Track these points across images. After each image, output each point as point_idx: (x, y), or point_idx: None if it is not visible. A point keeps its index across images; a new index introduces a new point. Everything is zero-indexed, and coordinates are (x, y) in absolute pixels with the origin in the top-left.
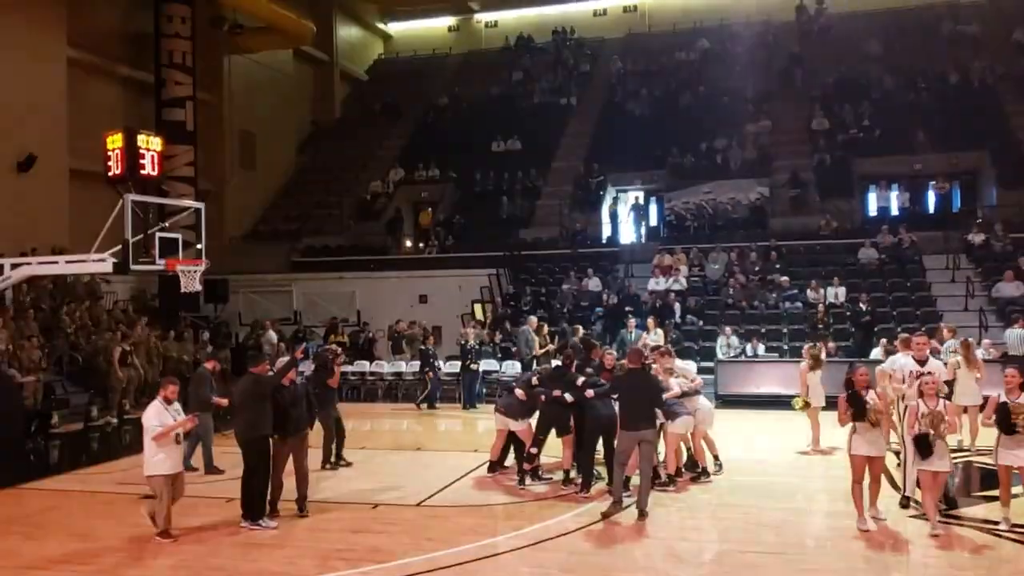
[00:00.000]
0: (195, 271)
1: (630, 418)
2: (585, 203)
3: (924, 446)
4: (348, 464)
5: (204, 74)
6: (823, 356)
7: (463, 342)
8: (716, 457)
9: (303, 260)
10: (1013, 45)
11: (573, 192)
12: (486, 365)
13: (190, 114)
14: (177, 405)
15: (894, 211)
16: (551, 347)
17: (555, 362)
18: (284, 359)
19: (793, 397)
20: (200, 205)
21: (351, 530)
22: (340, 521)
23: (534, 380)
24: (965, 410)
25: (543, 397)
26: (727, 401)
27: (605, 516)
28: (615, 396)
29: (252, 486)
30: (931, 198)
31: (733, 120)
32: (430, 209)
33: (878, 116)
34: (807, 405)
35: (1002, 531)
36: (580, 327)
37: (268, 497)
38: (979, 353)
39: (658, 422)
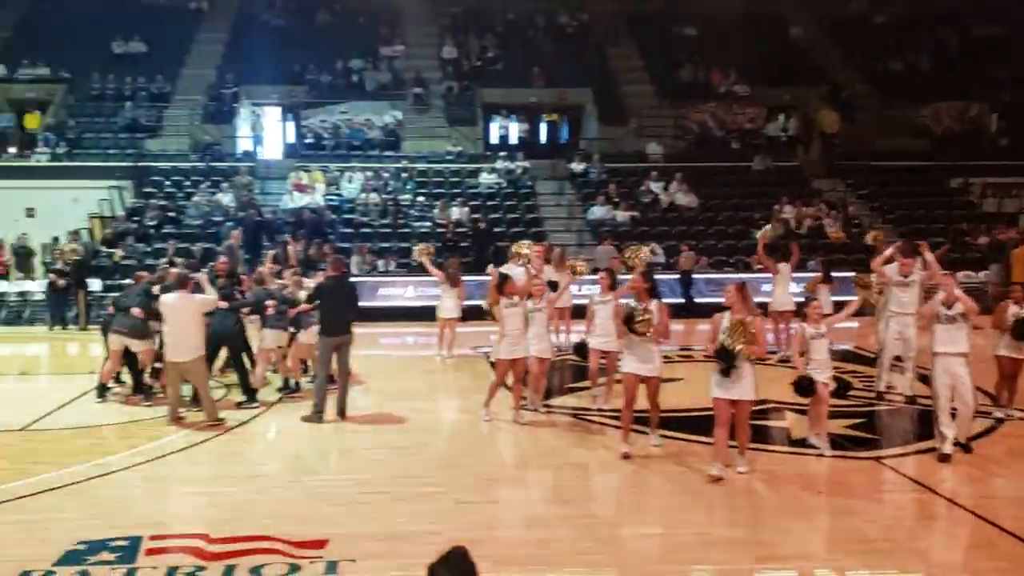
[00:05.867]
0: None
1: (332, 325)
2: (218, 115)
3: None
4: None
5: None
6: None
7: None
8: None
9: None
10: None
11: (205, 102)
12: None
13: None
14: None
15: (512, 140)
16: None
17: None
18: None
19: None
20: None
21: None
22: None
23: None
24: None
25: None
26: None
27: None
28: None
29: None
30: (543, 129)
31: (369, 42)
32: (39, 112)
33: (500, 49)
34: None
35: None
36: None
37: None
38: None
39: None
